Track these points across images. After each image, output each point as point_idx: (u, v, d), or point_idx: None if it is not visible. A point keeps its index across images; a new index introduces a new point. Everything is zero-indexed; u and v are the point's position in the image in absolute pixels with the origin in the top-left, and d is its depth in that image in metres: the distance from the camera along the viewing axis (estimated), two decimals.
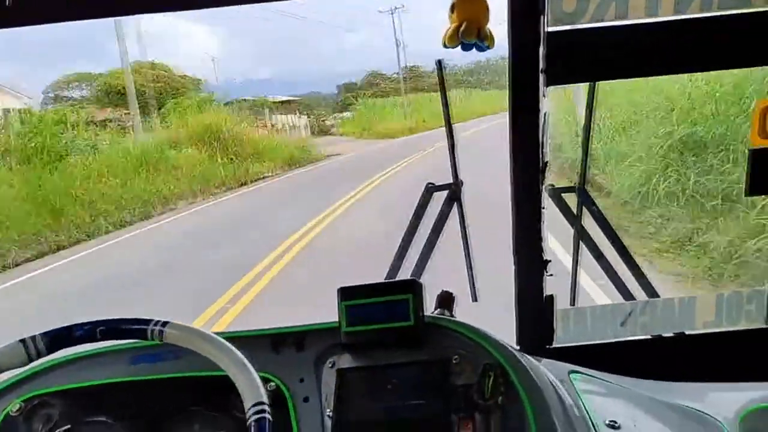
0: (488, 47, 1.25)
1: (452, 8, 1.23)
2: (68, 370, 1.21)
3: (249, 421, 0.85)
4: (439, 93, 1.54)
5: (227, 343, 0.94)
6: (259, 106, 32.57)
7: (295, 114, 37.01)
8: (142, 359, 1.22)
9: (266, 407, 0.86)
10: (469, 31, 1.22)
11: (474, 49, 1.30)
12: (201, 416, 1.20)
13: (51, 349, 0.95)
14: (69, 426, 1.16)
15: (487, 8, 1.26)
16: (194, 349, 0.95)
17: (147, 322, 0.96)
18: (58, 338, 0.95)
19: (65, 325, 0.96)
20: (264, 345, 1.21)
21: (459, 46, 1.26)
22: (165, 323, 0.96)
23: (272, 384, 1.15)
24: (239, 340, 0.96)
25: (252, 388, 0.88)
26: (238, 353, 0.93)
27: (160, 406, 1.20)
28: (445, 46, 1.26)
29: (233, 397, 1.17)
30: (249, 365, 0.91)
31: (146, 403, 1.19)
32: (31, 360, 0.95)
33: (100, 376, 1.20)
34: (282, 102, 37.79)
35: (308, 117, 38.39)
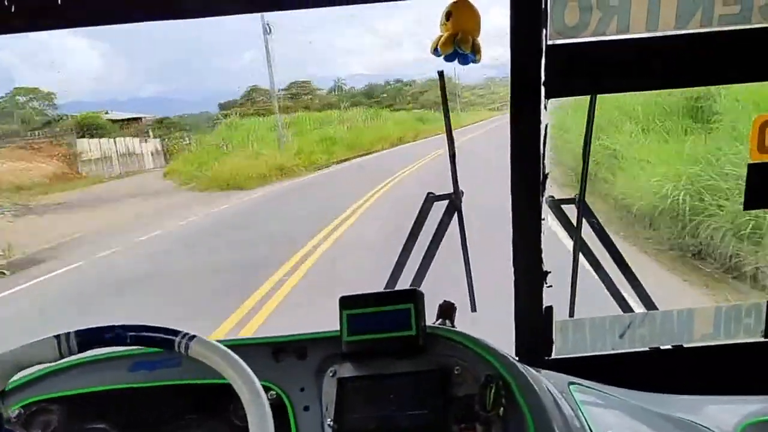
0: (476, 60, 1.26)
1: (447, 16, 1.24)
2: (67, 377, 1.21)
3: None
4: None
5: (248, 370, 0.91)
6: (86, 125, 25.79)
7: (143, 136, 28.44)
8: (140, 366, 1.21)
9: None
10: (466, 41, 1.23)
11: (456, 61, 1.31)
12: (199, 423, 1.20)
13: (81, 349, 0.94)
14: None
15: (479, 21, 1.27)
16: (214, 367, 0.93)
17: (176, 333, 0.94)
18: (90, 338, 0.94)
19: (97, 326, 0.95)
20: (265, 353, 1.21)
21: (439, 54, 1.27)
22: (192, 337, 0.94)
23: (273, 393, 1.14)
24: (240, 348, 0.96)
25: (263, 427, 0.87)
26: (257, 384, 0.90)
27: (159, 414, 1.19)
28: (436, 52, 1.27)
29: (231, 404, 1.17)
30: (266, 403, 0.89)
31: (145, 410, 1.19)
32: (62, 356, 0.94)
33: (98, 383, 1.20)
34: (125, 120, 29.52)
35: (164, 140, 29.58)
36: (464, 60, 1.29)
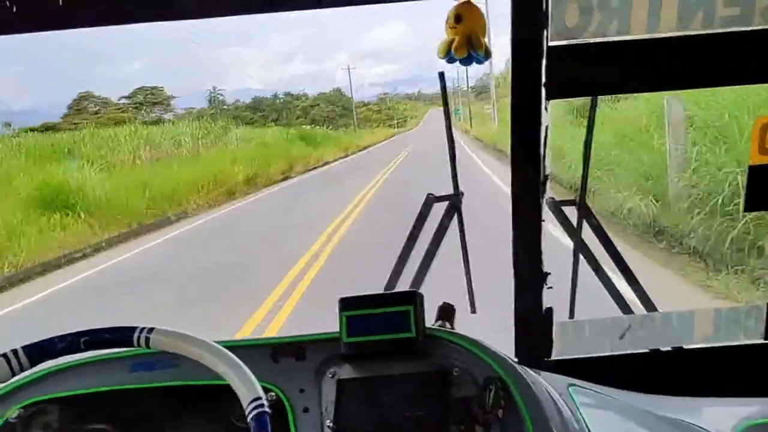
0: (483, 61, 1.25)
1: (457, 19, 1.22)
2: (67, 377, 1.21)
3: (249, 417, 0.85)
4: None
5: (216, 345, 0.94)
6: None
7: None
8: (140, 367, 1.21)
9: (264, 401, 0.86)
10: (480, 43, 1.22)
11: (457, 62, 1.30)
12: (198, 424, 1.20)
13: (34, 362, 0.94)
14: None
15: (485, 21, 1.27)
16: (184, 353, 0.94)
17: (132, 329, 0.95)
18: (40, 351, 0.94)
19: (47, 338, 0.95)
20: (264, 355, 1.21)
21: (453, 59, 1.26)
22: (151, 329, 0.95)
23: (272, 394, 1.15)
24: (239, 349, 0.96)
25: (247, 386, 0.88)
26: (229, 353, 0.93)
27: (158, 414, 1.20)
28: (448, 57, 1.25)
29: (230, 404, 1.17)
30: (242, 364, 0.91)
31: (144, 411, 1.19)
32: (14, 374, 0.93)
33: (98, 384, 1.20)
34: None
35: None
36: (469, 62, 1.28)
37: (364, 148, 36.35)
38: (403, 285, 1.55)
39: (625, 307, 1.57)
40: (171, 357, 1.19)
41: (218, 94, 60.87)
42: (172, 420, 1.19)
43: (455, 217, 1.57)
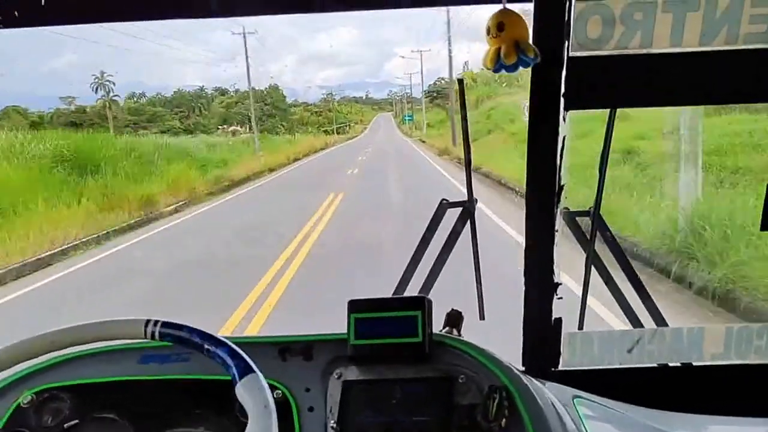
0: (534, 62, 1.24)
1: (500, 27, 1.22)
2: (79, 365, 1.23)
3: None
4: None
5: (213, 334, 0.95)
6: None
7: None
8: (151, 359, 1.23)
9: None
10: (529, 47, 1.21)
11: (504, 71, 1.28)
12: (205, 418, 1.22)
13: (163, 339, 0.97)
14: (77, 421, 1.18)
15: (527, 25, 1.26)
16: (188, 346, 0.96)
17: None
18: (166, 333, 0.97)
19: (181, 323, 0.97)
20: (272, 352, 1.23)
21: (503, 66, 1.24)
22: (156, 322, 0.97)
23: (278, 392, 1.16)
24: (247, 346, 0.98)
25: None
26: (219, 336, 0.94)
27: (166, 406, 1.21)
28: (498, 65, 1.23)
29: (237, 401, 1.19)
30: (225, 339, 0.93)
31: (153, 402, 1.21)
32: (143, 338, 0.97)
33: (109, 373, 1.22)
34: None
35: None
36: (516, 67, 1.27)
37: (275, 170, 25.62)
38: (413, 290, 1.56)
39: (635, 321, 1.57)
40: (182, 351, 1.21)
41: (106, 81, 52.07)
42: (179, 413, 1.21)
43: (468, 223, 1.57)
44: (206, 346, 0.93)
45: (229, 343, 0.92)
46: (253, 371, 0.88)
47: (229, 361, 0.89)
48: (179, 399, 1.21)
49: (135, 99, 58.43)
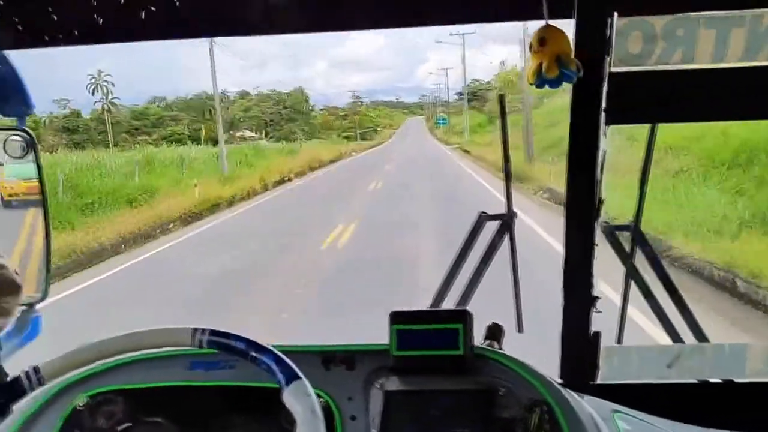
0: (576, 75, 1.24)
1: (541, 42, 1.23)
2: (130, 371, 1.28)
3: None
4: None
5: (260, 343, 0.96)
6: None
7: None
8: (198, 366, 1.27)
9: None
10: (570, 61, 1.21)
11: (547, 86, 1.28)
12: (250, 425, 1.25)
13: (210, 346, 0.98)
14: (129, 424, 1.22)
15: (569, 40, 1.26)
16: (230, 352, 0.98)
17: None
18: (214, 341, 0.98)
19: (228, 331, 0.99)
20: (315, 361, 1.25)
21: (545, 81, 1.25)
22: (204, 330, 0.99)
23: (322, 400, 1.19)
24: (290, 354, 1.00)
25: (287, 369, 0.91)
26: (269, 347, 0.96)
27: (212, 412, 1.25)
28: (539, 79, 1.23)
29: (281, 408, 1.22)
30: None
31: (200, 408, 1.25)
32: (192, 346, 0.99)
33: (158, 379, 1.27)
34: None
35: None
36: (559, 82, 1.27)
37: (195, 221, 15.68)
38: (450, 302, 1.57)
39: (675, 336, 1.55)
40: (228, 358, 1.24)
41: (104, 82, 46.99)
42: (224, 418, 1.25)
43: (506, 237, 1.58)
44: (252, 354, 0.95)
45: (275, 351, 0.94)
46: (300, 377, 0.90)
47: (274, 367, 0.92)
48: (225, 405, 1.25)
49: (157, 104, 55.16)
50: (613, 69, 1.27)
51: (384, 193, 18.72)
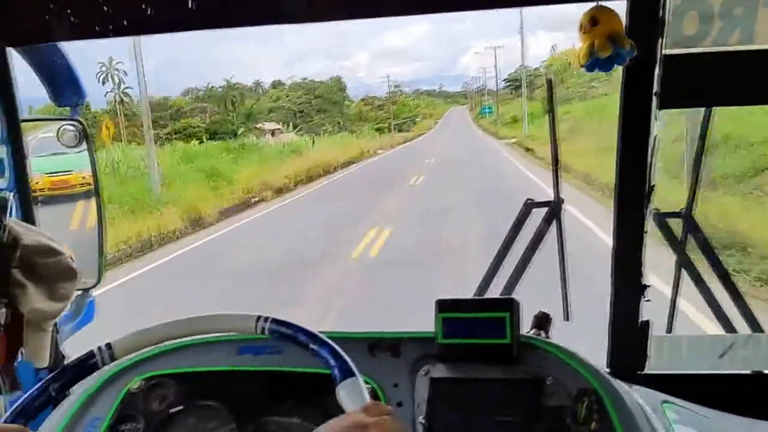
0: (630, 55, 1.21)
1: (593, 22, 1.20)
2: (182, 355, 1.31)
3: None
4: None
5: (321, 335, 0.99)
6: None
7: None
8: (247, 350, 1.30)
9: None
10: (624, 39, 1.18)
11: (597, 69, 1.25)
12: (298, 410, 1.27)
13: (270, 334, 1.01)
14: (182, 407, 1.26)
15: (621, 20, 1.23)
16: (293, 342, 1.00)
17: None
18: (275, 330, 1.01)
19: (290, 321, 1.02)
20: (361, 347, 1.26)
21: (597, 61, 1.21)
22: (267, 318, 1.02)
23: (368, 386, 1.20)
24: (338, 340, 1.02)
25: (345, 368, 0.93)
26: (330, 342, 0.97)
27: (262, 397, 1.28)
28: (592, 59, 1.20)
29: (328, 393, 1.23)
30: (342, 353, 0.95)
31: (249, 392, 1.27)
32: (254, 333, 1.03)
33: (209, 363, 1.30)
34: None
35: None
36: (610, 64, 1.23)
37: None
38: (495, 290, 1.55)
39: (727, 326, 1.51)
40: (276, 344, 1.27)
41: (114, 71, 44.20)
42: (273, 403, 1.27)
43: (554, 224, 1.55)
44: (311, 346, 0.97)
45: (332, 344, 0.96)
46: (354, 375, 0.92)
47: (332, 361, 0.93)
48: (273, 389, 1.27)
49: (189, 96, 53.15)
50: (666, 51, 1.23)
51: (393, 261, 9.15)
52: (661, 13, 1.21)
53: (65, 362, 1.56)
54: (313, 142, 35.43)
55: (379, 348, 1.27)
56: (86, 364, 1.02)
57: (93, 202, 1.72)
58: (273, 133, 43.10)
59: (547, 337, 1.30)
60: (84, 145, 1.66)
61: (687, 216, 1.47)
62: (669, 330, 1.56)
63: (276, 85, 57.17)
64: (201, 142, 31.66)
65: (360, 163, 29.83)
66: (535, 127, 30.58)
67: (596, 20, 1.20)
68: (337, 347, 0.95)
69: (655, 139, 1.29)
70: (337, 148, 31.95)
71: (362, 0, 1.37)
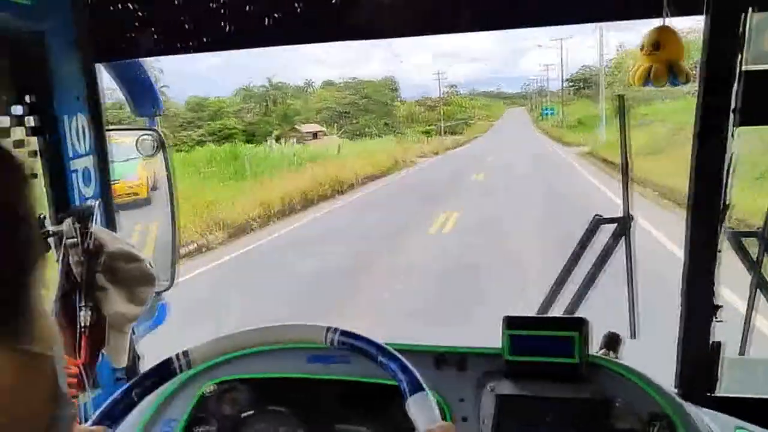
0: (684, 84, 1.20)
1: (655, 45, 1.19)
2: (253, 361, 1.35)
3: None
4: None
5: (388, 347, 1.00)
6: None
7: None
8: (317, 359, 1.33)
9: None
10: (682, 71, 1.18)
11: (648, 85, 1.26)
12: (367, 418, 1.29)
13: (340, 346, 1.04)
14: (253, 412, 1.30)
15: (683, 46, 1.22)
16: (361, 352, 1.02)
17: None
18: (344, 341, 1.04)
19: (359, 333, 1.05)
20: (427, 361, 1.27)
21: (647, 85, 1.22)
22: (336, 330, 1.05)
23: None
24: (405, 353, 1.03)
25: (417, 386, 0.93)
26: (396, 353, 0.99)
27: (330, 404, 1.30)
28: (646, 82, 1.20)
29: (396, 405, 1.25)
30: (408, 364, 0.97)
31: (319, 400, 1.30)
32: (323, 343, 1.06)
33: (280, 370, 1.33)
34: None
35: None
36: (674, 83, 1.24)
37: None
38: (559, 308, 1.53)
39: None
40: (345, 354, 1.29)
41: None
42: (341, 411, 1.30)
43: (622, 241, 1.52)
44: (380, 358, 0.99)
45: (401, 358, 0.98)
46: (423, 389, 0.93)
47: (400, 375, 0.95)
48: (342, 398, 1.30)
49: (237, 95, 48.94)
50: (747, 67, 1.20)
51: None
52: (741, 29, 1.18)
53: (140, 363, 1.63)
54: (339, 148, 31.24)
55: (446, 362, 1.28)
56: (165, 371, 1.07)
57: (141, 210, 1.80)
58: (316, 135, 41.72)
59: (617, 358, 1.28)
60: (161, 153, 1.73)
61: (763, 235, 1.43)
62: (742, 352, 1.51)
63: (326, 85, 55.60)
64: (234, 144, 30.26)
65: (386, 178, 23.04)
66: (607, 131, 26.72)
67: (659, 45, 1.19)
68: (405, 361, 0.97)
69: (731, 156, 1.26)
70: (365, 155, 26.33)
71: (420, 19, 1.43)
